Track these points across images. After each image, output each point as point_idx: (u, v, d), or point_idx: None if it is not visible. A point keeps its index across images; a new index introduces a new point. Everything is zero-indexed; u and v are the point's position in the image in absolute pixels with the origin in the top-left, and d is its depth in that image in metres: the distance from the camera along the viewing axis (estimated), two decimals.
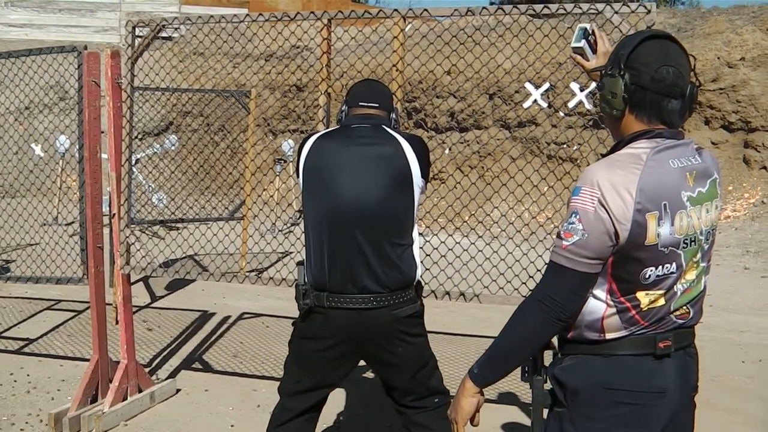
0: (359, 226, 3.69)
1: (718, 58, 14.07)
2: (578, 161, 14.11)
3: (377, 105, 3.94)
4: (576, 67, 3.11)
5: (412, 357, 3.85)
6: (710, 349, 7.15)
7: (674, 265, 2.45)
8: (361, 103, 3.94)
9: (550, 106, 14.44)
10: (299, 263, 3.94)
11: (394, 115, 4.00)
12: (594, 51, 2.94)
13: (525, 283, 4.52)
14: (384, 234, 3.71)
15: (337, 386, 4.07)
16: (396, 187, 3.73)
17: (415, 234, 3.82)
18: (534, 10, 4.53)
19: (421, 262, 3.94)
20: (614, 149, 2.54)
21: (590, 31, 2.93)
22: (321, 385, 3.96)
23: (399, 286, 3.74)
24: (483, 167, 14.86)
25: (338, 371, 3.95)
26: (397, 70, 4.94)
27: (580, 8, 4.43)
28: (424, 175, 3.82)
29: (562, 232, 2.45)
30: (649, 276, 2.43)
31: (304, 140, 3.92)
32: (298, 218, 13.78)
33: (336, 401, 5.75)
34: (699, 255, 2.52)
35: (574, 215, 2.41)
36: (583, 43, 2.92)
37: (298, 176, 3.90)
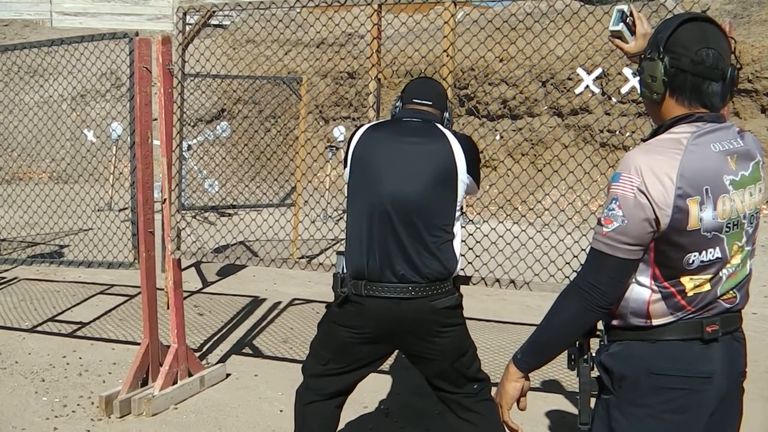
0: (399, 217, 3.68)
1: None
2: (631, 149, 13.91)
3: (431, 103, 3.96)
4: None
5: (450, 347, 3.85)
6: (766, 341, 7.04)
7: (718, 249, 2.42)
8: (415, 100, 3.97)
9: (603, 92, 14.30)
10: (339, 253, 3.95)
11: (447, 115, 4.02)
12: (633, 33, 2.88)
13: (576, 271, 4.47)
14: (424, 226, 3.70)
15: (362, 378, 4.06)
16: (439, 182, 3.72)
17: (456, 228, 3.81)
18: None
19: (466, 252, 3.91)
20: (654, 134, 2.53)
21: (628, 13, 2.88)
22: (347, 370, 3.96)
23: (437, 277, 3.72)
24: (535, 154, 14.74)
25: (367, 360, 3.95)
26: (448, 56, 4.91)
27: None
28: (472, 173, 3.81)
29: (602, 219, 2.44)
30: (693, 261, 2.41)
31: (355, 130, 3.95)
32: None
33: (385, 388, 5.75)
34: (744, 239, 2.49)
35: (614, 201, 2.41)
36: (621, 26, 2.86)
37: (345, 166, 3.91)
